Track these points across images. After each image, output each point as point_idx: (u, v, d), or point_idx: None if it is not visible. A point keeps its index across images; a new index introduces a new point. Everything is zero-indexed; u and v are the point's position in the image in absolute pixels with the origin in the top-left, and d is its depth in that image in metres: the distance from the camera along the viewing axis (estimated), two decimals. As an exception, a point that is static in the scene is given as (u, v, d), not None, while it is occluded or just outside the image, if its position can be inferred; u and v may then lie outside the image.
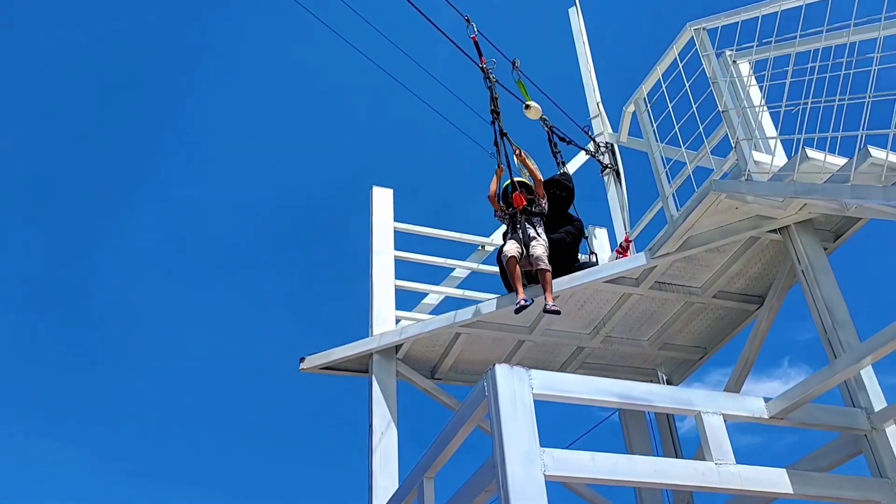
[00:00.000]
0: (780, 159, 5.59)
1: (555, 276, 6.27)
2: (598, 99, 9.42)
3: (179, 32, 25.27)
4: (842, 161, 4.85)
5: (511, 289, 6.32)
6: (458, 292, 7.55)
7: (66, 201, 25.77)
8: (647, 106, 6.63)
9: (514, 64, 8.00)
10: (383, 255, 7.27)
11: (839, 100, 4.49)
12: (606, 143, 9.11)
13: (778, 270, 6.51)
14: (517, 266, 6.19)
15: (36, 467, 23.68)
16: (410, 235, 7.64)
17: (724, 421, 4.55)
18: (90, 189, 25.87)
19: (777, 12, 5.13)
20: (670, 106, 6.12)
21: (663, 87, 6.23)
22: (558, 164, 8.01)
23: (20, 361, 24.91)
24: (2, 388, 24.02)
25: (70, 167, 25.89)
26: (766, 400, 4.79)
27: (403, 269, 7.35)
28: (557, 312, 6.06)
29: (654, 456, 6.95)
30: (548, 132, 8.19)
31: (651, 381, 7.64)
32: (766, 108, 5.63)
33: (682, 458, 7.05)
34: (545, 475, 3.72)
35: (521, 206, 6.54)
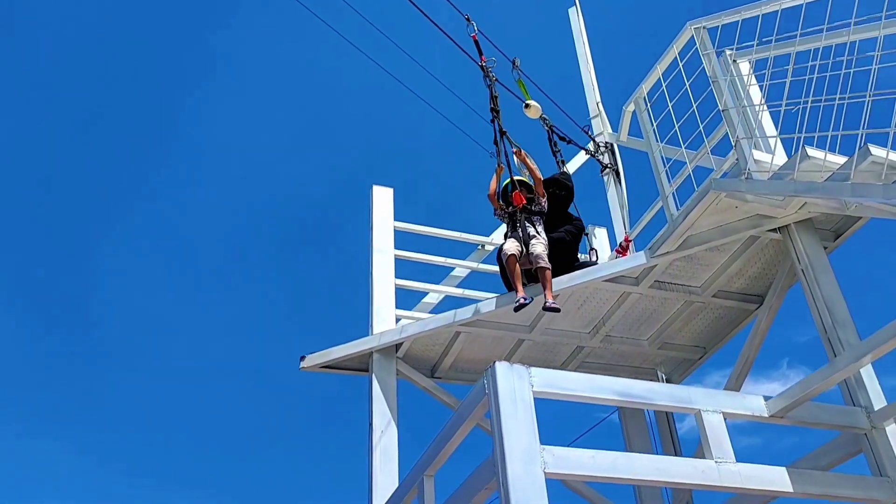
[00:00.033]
0: (781, 158, 5.60)
1: (555, 275, 6.28)
2: (598, 99, 9.43)
3: (179, 33, 25.27)
4: (842, 160, 4.86)
5: (511, 287, 6.33)
6: (458, 291, 7.55)
7: (65, 202, 25.77)
8: (647, 105, 6.64)
9: (514, 63, 8.01)
10: (383, 254, 7.27)
11: (839, 99, 4.49)
12: (606, 142, 9.12)
13: (778, 270, 6.51)
14: (517, 264, 6.20)
15: (36, 467, 23.69)
16: (410, 235, 7.64)
17: (724, 419, 4.56)
18: (90, 189, 25.89)
19: (777, 11, 5.13)
20: (670, 105, 6.12)
21: (663, 86, 6.23)
22: (558, 163, 8.02)
23: (20, 362, 24.93)
24: (2, 388, 24.03)
25: (70, 167, 25.89)
26: (766, 398, 4.80)
27: (403, 269, 7.36)
28: (557, 310, 6.06)
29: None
30: (548, 131, 8.19)
31: (651, 381, 7.63)
32: (765, 107, 5.63)
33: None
34: (545, 473, 3.72)
35: (520, 205, 6.56)
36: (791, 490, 4.45)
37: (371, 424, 6.38)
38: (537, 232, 6.45)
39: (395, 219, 7.57)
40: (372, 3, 9.30)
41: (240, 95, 25.57)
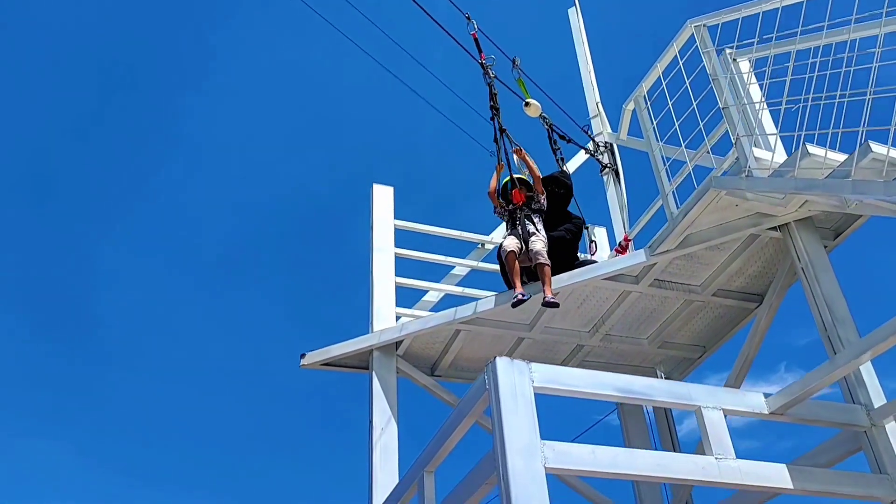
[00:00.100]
0: (781, 156, 5.59)
1: (555, 273, 6.29)
2: (598, 99, 9.44)
3: (179, 32, 25.28)
4: (842, 157, 4.85)
5: (511, 285, 6.34)
6: (458, 290, 7.56)
7: (65, 202, 25.78)
8: (647, 103, 6.64)
9: (514, 62, 8.02)
10: (383, 253, 7.27)
11: (840, 95, 4.50)
12: (605, 142, 9.13)
13: (777, 268, 6.52)
14: (516, 261, 6.22)
15: (36, 467, 23.68)
16: (410, 233, 7.65)
17: (724, 416, 4.56)
18: (91, 189, 25.88)
19: (778, 9, 5.13)
20: (670, 103, 6.13)
21: (663, 84, 6.23)
22: (558, 161, 8.03)
23: (20, 362, 24.91)
24: (2, 388, 24.01)
25: (70, 168, 25.90)
26: (766, 395, 4.80)
27: (404, 267, 7.36)
28: (556, 305, 6.07)
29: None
30: (547, 130, 8.20)
31: (650, 380, 7.64)
32: (765, 105, 5.63)
33: (682, 456, 7.04)
34: (546, 468, 3.72)
35: (520, 203, 6.58)
36: (791, 487, 4.45)
37: (371, 422, 6.38)
38: (537, 229, 6.46)
39: (396, 217, 7.58)
40: (372, 1, 9.31)
41: (239, 95, 25.60)
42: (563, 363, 7.48)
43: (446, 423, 4.58)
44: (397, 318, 6.98)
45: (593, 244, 7.85)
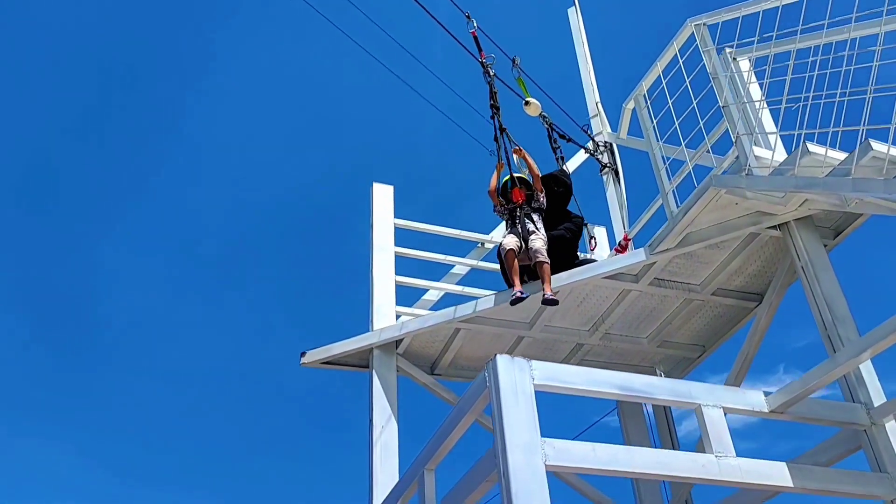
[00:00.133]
0: (781, 155, 5.59)
1: (556, 272, 6.29)
2: (597, 98, 9.44)
3: (178, 32, 25.28)
4: (843, 156, 4.85)
5: (510, 284, 6.34)
6: (458, 289, 7.57)
7: (66, 202, 25.77)
8: (647, 102, 6.64)
9: (513, 61, 8.02)
10: (384, 252, 7.27)
11: (840, 93, 4.50)
12: (605, 142, 9.13)
13: (777, 267, 6.52)
14: (515, 259, 6.23)
15: (36, 467, 23.66)
16: (410, 232, 7.65)
17: (724, 414, 4.56)
18: (90, 189, 25.88)
19: (778, 7, 5.13)
20: (670, 102, 6.13)
21: (663, 83, 6.24)
22: (558, 160, 8.04)
23: (21, 362, 24.90)
24: (2, 388, 24.00)
25: (71, 168, 25.91)
26: (767, 394, 4.80)
27: (404, 266, 7.37)
28: (555, 302, 6.08)
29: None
30: (547, 129, 8.21)
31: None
32: (765, 104, 5.63)
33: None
34: (546, 465, 3.72)
35: (520, 202, 6.59)
36: (791, 485, 4.45)
37: (371, 420, 6.38)
38: (536, 228, 6.47)
39: (396, 216, 7.58)
40: (372, 1, 9.32)
41: (239, 94, 25.61)
42: (563, 362, 7.47)
43: (447, 421, 4.58)
44: (397, 316, 6.99)
45: (592, 240, 7.85)
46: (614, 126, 8.82)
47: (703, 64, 5.95)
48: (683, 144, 6.02)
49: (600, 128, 9.25)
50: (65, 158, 25.56)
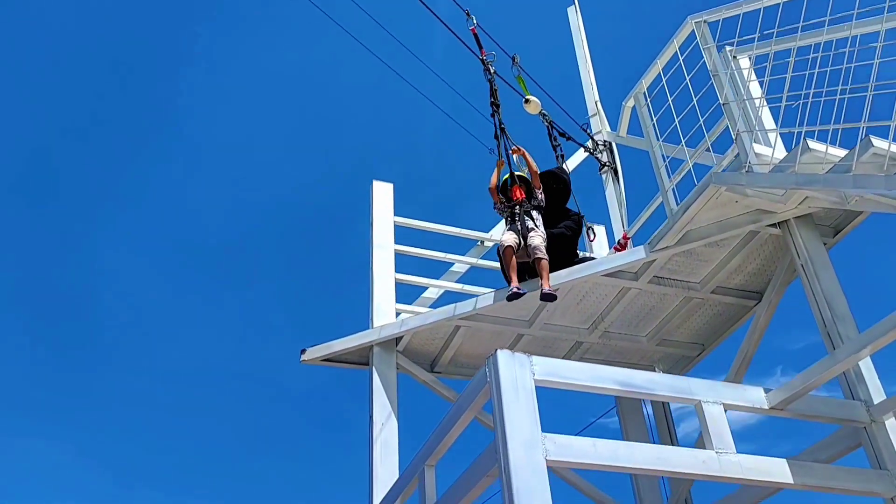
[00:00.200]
0: (781, 153, 5.59)
1: (556, 270, 6.29)
2: (597, 97, 9.44)
3: (177, 32, 25.27)
4: (843, 153, 4.86)
5: (510, 281, 6.34)
6: (458, 287, 7.56)
7: (65, 202, 25.75)
8: (647, 100, 6.65)
9: (513, 59, 8.02)
10: (383, 249, 7.27)
11: (841, 90, 4.50)
12: (604, 140, 9.13)
13: (777, 266, 6.52)
14: (514, 256, 6.24)
15: (36, 467, 23.64)
16: (410, 230, 7.65)
17: (725, 411, 4.56)
18: (90, 189, 25.86)
19: (778, 4, 5.13)
20: (670, 99, 6.13)
21: (664, 80, 6.24)
22: (558, 158, 8.04)
23: (20, 362, 24.88)
24: (2, 388, 23.97)
25: (70, 168, 25.88)
26: (767, 390, 4.80)
27: (403, 264, 7.37)
28: (554, 297, 6.08)
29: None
30: (547, 127, 8.22)
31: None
32: (766, 102, 5.64)
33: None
34: (547, 460, 3.72)
35: (519, 200, 6.60)
36: (791, 481, 4.44)
37: (371, 417, 6.38)
38: (535, 225, 6.48)
39: (396, 214, 7.57)
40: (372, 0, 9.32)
41: (240, 93, 25.62)
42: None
43: (447, 417, 4.58)
44: (397, 314, 6.99)
45: (591, 230, 7.85)
46: (613, 125, 8.83)
47: (704, 61, 5.95)
48: (683, 142, 6.02)
49: (599, 126, 9.25)
50: (64, 158, 25.58)
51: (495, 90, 7.24)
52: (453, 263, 7.76)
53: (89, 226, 26.10)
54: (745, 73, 6.07)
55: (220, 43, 25.55)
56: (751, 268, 6.74)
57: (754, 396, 4.77)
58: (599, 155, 9.07)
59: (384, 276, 7.12)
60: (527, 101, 7.62)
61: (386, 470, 6.09)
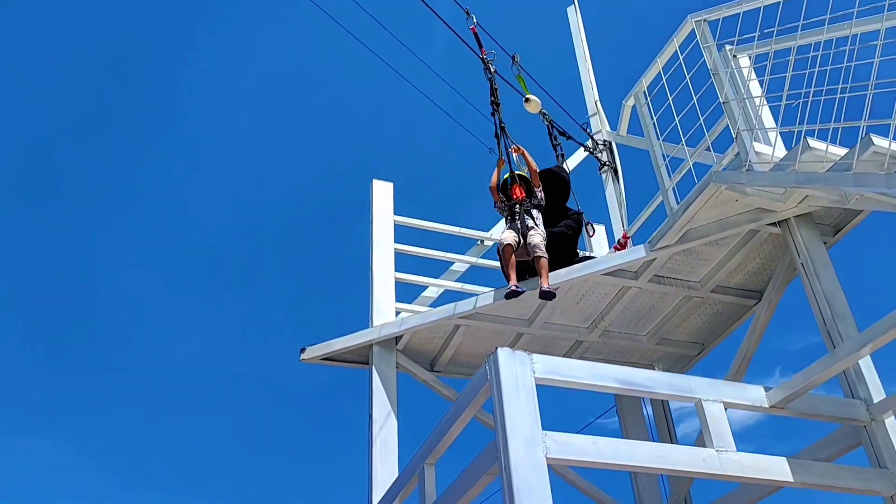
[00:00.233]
0: (781, 152, 5.60)
1: (556, 268, 6.29)
2: (597, 97, 9.45)
3: (179, 32, 25.28)
4: (843, 151, 4.86)
5: (509, 279, 6.34)
6: (458, 286, 7.56)
7: (65, 202, 25.74)
8: (647, 99, 6.65)
9: (513, 59, 8.01)
10: (383, 248, 7.27)
11: (841, 88, 4.50)
12: (604, 140, 9.14)
13: (777, 265, 6.52)
14: (513, 254, 6.25)
15: (36, 467, 23.63)
16: (410, 229, 7.64)
17: (725, 410, 4.55)
18: (90, 189, 25.85)
19: (778, 3, 5.13)
20: (670, 98, 6.13)
21: (664, 79, 6.24)
22: (558, 157, 8.05)
23: (20, 362, 24.87)
24: (2, 388, 23.96)
25: (70, 168, 25.88)
26: (767, 389, 4.80)
27: (403, 263, 7.36)
28: (552, 294, 6.07)
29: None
30: (547, 126, 8.22)
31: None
32: (766, 100, 5.64)
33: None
34: (547, 458, 3.71)
35: (519, 198, 6.61)
36: (791, 480, 4.45)
37: (371, 416, 6.38)
38: (535, 224, 6.49)
39: (396, 214, 7.57)
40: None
41: (239, 94, 25.60)
42: (563, 359, 7.47)
43: (447, 415, 4.57)
44: (397, 313, 6.99)
45: (590, 226, 7.84)
46: (613, 124, 8.84)
47: (704, 60, 5.96)
48: (683, 141, 6.02)
49: (599, 126, 9.25)
50: (64, 157, 25.59)
51: (495, 89, 7.24)
52: (453, 263, 7.76)
53: (89, 226, 26.13)
54: (745, 71, 6.08)
55: (219, 43, 25.58)
56: (751, 267, 6.74)
57: (754, 395, 4.77)
58: (599, 154, 9.07)
59: (384, 275, 7.12)
60: (527, 100, 7.62)
61: (385, 469, 6.09)
